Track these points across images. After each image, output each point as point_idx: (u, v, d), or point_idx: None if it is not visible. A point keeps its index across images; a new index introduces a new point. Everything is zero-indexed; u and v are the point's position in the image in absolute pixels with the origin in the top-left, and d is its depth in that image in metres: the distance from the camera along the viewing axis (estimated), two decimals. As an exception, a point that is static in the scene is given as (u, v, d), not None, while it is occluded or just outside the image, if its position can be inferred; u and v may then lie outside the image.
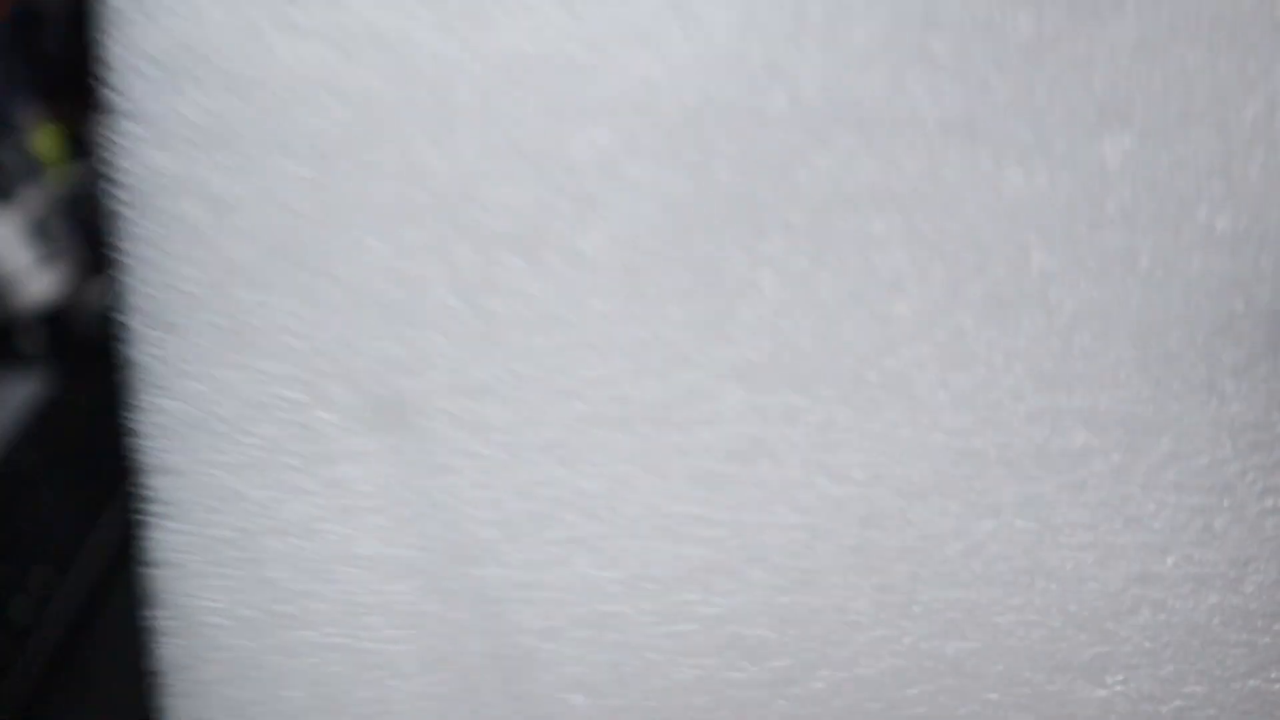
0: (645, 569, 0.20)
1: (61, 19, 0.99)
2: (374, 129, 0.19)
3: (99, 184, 0.19)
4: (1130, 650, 0.20)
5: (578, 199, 0.19)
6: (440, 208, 0.19)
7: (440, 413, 0.20)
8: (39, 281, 0.79)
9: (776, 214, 0.19)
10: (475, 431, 0.20)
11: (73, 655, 0.50)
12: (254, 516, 0.20)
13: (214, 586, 0.21)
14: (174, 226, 0.19)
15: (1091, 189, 0.18)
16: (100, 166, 0.19)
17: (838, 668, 0.20)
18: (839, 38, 0.18)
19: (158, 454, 0.20)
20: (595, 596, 0.20)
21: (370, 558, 0.20)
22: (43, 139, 0.85)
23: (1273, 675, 0.20)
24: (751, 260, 0.19)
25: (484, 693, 0.21)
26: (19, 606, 0.50)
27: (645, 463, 0.20)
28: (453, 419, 0.20)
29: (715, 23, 0.18)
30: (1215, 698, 0.20)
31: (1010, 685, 0.20)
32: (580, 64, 0.18)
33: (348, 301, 0.19)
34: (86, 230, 0.86)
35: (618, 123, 0.18)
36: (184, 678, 0.21)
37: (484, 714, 0.21)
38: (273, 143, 0.19)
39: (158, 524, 0.21)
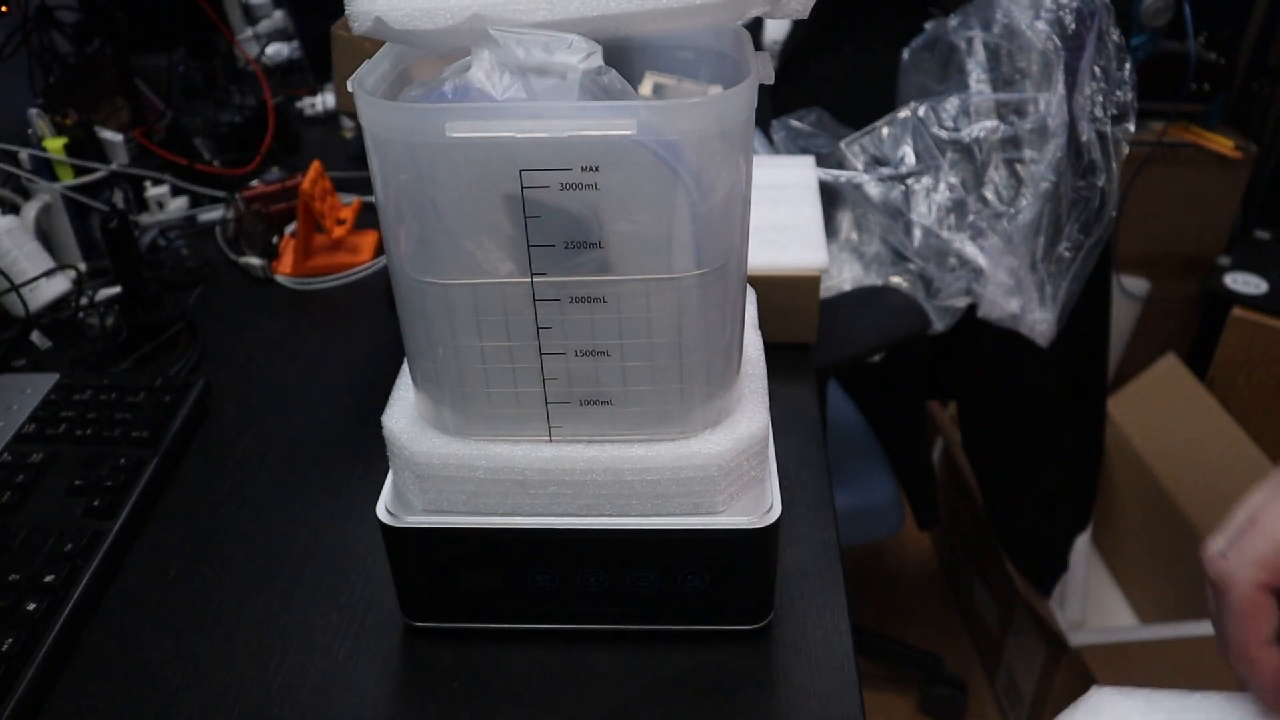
0: None
1: (66, 19, 0.99)
2: None
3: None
4: None
5: None
6: None
7: None
8: (40, 282, 0.79)
9: None
10: None
11: (73, 655, 0.50)
12: None
13: None
14: None
15: None
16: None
17: None
18: None
19: None
20: None
21: None
22: (43, 139, 0.85)
23: None
24: None
25: None
26: (19, 606, 0.50)
27: None
28: None
29: None
30: None
31: None
32: None
33: None
34: (86, 230, 0.86)
35: None
36: None
37: None
38: None
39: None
